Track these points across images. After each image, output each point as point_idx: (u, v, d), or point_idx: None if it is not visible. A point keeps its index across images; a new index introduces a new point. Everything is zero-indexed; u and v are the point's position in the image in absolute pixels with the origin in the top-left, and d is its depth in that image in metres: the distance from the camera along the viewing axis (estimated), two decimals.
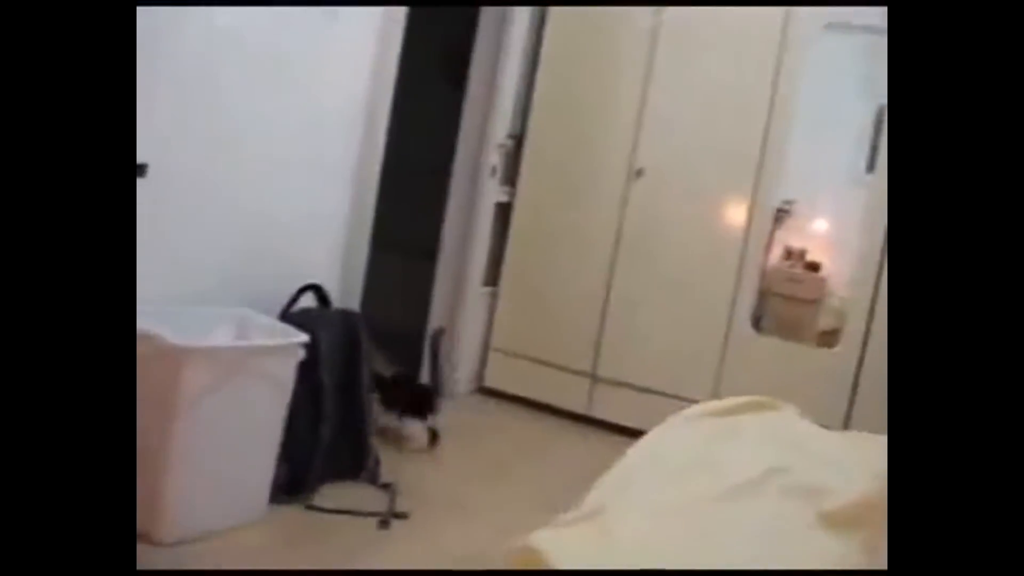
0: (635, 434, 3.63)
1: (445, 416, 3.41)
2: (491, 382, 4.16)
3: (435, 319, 4.05)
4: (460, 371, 4.04)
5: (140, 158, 1.68)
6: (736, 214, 3.74)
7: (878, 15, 3.16)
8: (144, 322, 2.20)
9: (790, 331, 3.95)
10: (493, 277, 4.14)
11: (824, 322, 4.07)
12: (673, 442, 1.28)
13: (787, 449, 1.16)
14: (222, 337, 2.47)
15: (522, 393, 4.08)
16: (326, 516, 2.56)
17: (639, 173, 3.86)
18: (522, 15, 3.95)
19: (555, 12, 4.04)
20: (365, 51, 3.13)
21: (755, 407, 1.40)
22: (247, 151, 2.70)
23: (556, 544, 0.90)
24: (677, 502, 1.01)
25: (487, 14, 3.94)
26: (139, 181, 2.20)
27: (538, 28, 4.07)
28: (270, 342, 2.44)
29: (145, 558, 2.14)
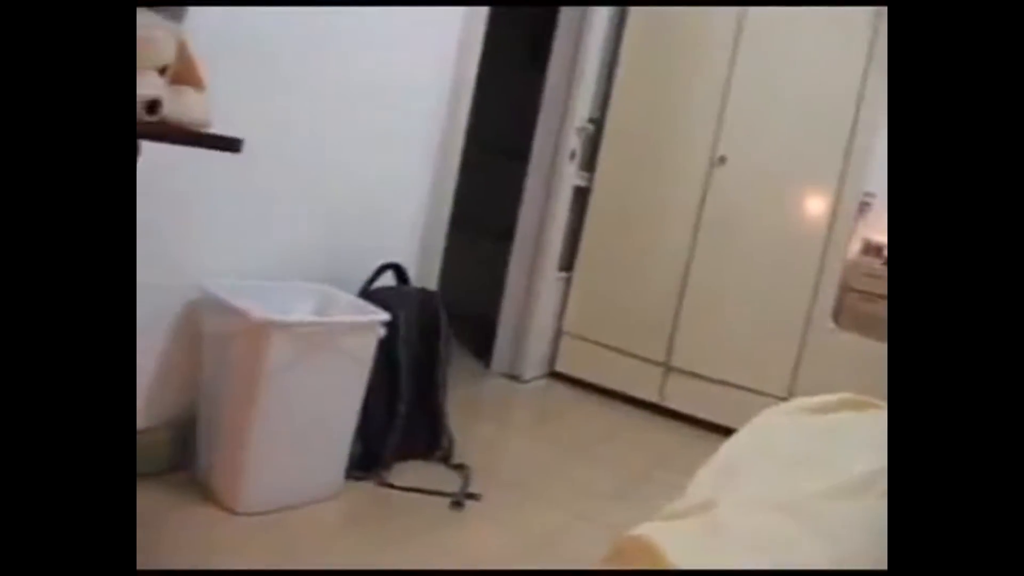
0: (707, 426, 3.66)
1: (517, 399, 3.41)
2: (562, 367, 4.15)
3: (509, 302, 4.05)
4: (531, 355, 4.03)
5: (230, 133, 1.68)
6: (819, 205, 3.66)
7: None
8: (229, 296, 2.24)
9: (868, 328, 3.85)
10: (568, 262, 4.12)
11: None
12: (777, 436, 1.25)
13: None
14: (304, 313, 2.49)
15: (593, 379, 4.06)
16: (400, 494, 2.57)
17: (721, 160, 3.79)
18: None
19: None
20: (451, 31, 3.12)
21: (854, 405, 1.36)
22: (330, 128, 2.71)
23: (670, 537, 0.88)
24: (788, 498, 0.99)
25: None
26: (226, 158, 2.22)
27: (621, 12, 4.02)
28: (352, 319, 2.45)
29: (224, 527, 2.18)
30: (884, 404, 1.51)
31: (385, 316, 2.43)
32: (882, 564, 0.87)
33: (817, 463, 1.07)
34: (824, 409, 1.35)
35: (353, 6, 2.64)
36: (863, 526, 0.89)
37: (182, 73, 1.61)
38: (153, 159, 1.78)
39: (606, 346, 4.04)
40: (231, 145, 1.65)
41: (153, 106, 1.48)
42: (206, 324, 2.33)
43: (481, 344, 4.18)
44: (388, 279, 2.90)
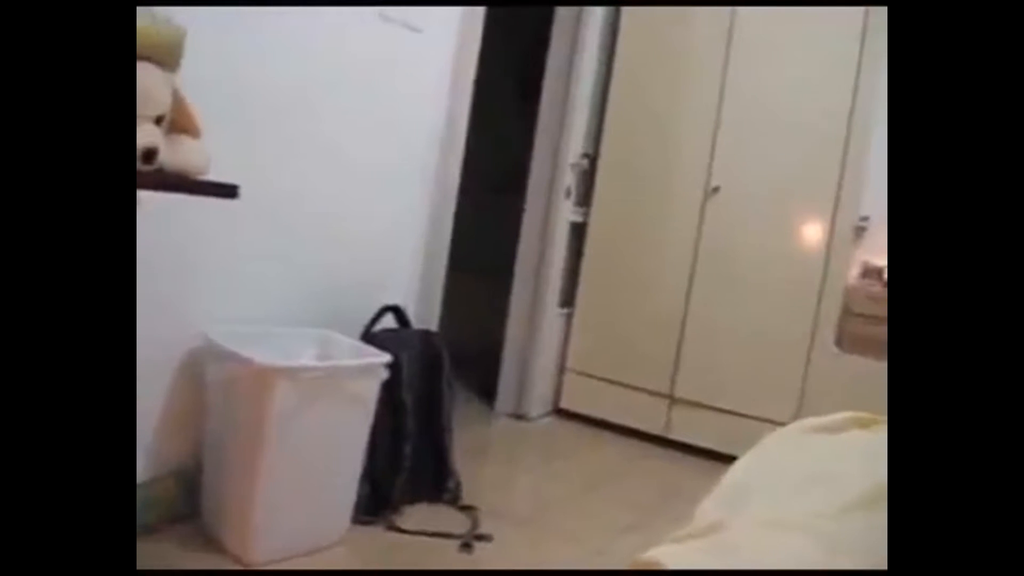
0: (715, 456, 3.64)
1: (523, 438, 3.39)
2: (567, 404, 4.13)
3: (511, 340, 4.05)
4: (536, 393, 4.02)
5: (227, 180, 1.70)
6: (815, 230, 3.67)
7: None
8: (231, 343, 2.23)
9: (872, 351, 3.84)
10: (568, 298, 4.12)
11: None
12: (783, 457, 1.25)
13: None
14: (307, 358, 2.49)
15: (598, 415, 4.04)
16: (408, 538, 2.54)
17: (715, 190, 3.81)
18: (593, 33, 3.94)
19: (626, 29, 4.03)
20: (443, 69, 3.15)
21: (860, 423, 1.36)
22: (325, 173, 2.72)
23: (678, 558, 0.88)
24: (798, 518, 0.98)
25: (559, 31, 3.94)
26: (223, 205, 2.23)
27: (610, 46, 4.06)
28: (355, 362, 2.45)
29: None
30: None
31: (387, 358, 2.43)
32: None
33: (826, 481, 1.06)
34: (830, 429, 1.34)
35: (357, 6, 2.66)
36: (876, 540, 0.88)
37: (178, 121, 1.63)
38: (152, 209, 1.80)
39: (610, 381, 4.02)
40: (228, 191, 1.66)
41: (150, 155, 1.49)
42: (209, 372, 2.32)
43: (484, 384, 4.16)
44: (389, 321, 2.90)
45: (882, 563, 0.87)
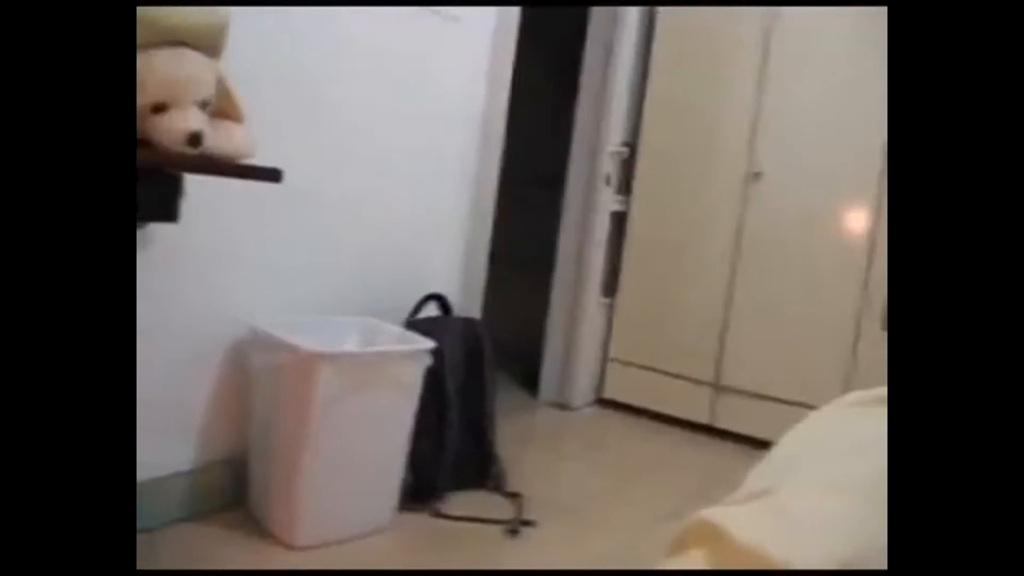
0: (760, 444, 3.59)
1: (567, 427, 3.39)
2: (611, 393, 4.11)
3: (554, 330, 4.04)
4: (579, 382, 4.01)
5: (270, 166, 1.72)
6: (860, 216, 3.62)
7: None
8: (277, 331, 2.26)
9: None
10: (611, 287, 4.11)
11: None
12: (832, 429, 1.22)
13: None
14: (351, 345, 2.50)
15: (642, 404, 4.02)
16: (454, 524, 2.55)
17: (756, 176, 3.78)
18: (631, 22, 3.92)
19: (664, 15, 4.00)
20: (481, 60, 3.15)
21: None
22: (367, 163, 2.74)
23: (733, 518, 0.86)
24: (850, 480, 0.96)
25: (596, 20, 3.93)
26: (266, 197, 2.26)
27: (648, 33, 4.04)
28: (399, 348, 2.46)
29: (280, 561, 2.19)
30: None
31: (431, 344, 2.44)
32: None
33: (875, 449, 1.04)
34: (879, 402, 1.32)
35: (389, 6, 2.68)
36: None
37: (222, 107, 1.65)
38: (198, 200, 1.82)
39: (653, 370, 4.00)
40: (272, 175, 1.67)
41: (195, 139, 1.51)
42: (254, 360, 2.35)
43: (528, 375, 4.16)
44: (431, 310, 2.92)
45: None
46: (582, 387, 4.04)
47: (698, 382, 3.90)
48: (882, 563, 0.83)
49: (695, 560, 0.87)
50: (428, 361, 2.44)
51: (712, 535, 0.87)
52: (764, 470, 1.19)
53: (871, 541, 0.87)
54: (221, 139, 1.62)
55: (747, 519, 0.89)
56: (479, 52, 3.14)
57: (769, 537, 0.83)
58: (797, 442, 1.26)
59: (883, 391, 1.40)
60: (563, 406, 3.99)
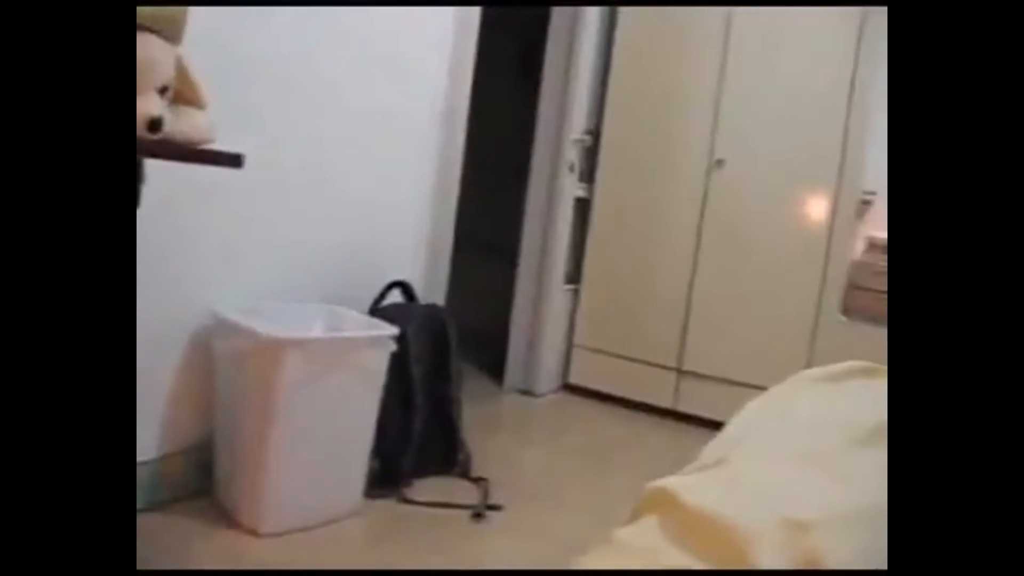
0: (723, 427, 3.64)
1: (532, 413, 3.41)
2: (575, 379, 4.15)
3: (518, 317, 4.06)
4: (544, 369, 4.04)
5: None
6: (820, 203, 3.67)
7: None
8: (239, 317, 2.25)
9: (878, 322, 3.85)
10: (575, 274, 4.13)
11: None
12: (789, 400, 1.26)
13: None
14: (315, 331, 2.50)
15: (607, 389, 4.06)
16: (420, 509, 2.56)
17: (719, 163, 3.82)
18: (593, 11, 3.94)
19: (627, 8, 4.03)
20: (444, 47, 3.15)
21: (865, 372, 1.37)
22: (329, 150, 2.74)
23: (684, 485, 0.89)
24: (804, 450, 0.99)
25: (560, 8, 3.94)
26: (228, 184, 2.25)
27: (610, 22, 4.06)
28: (364, 333, 2.46)
29: (246, 549, 2.18)
30: None
31: (395, 330, 2.44)
32: None
33: (830, 421, 1.07)
34: (834, 378, 1.35)
35: (351, 6, 2.68)
36: (880, 471, 0.89)
37: (182, 92, 1.64)
38: (159, 188, 1.81)
39: (617, 355, 4.04)
40: (233, 161, 1.67)
41: (155, 125, 1.50)
42: (218, 347, 2.34)
43: (493, 362, 4.18)
44: (396, 297, 2.92)
45: (884, 494, 0.88)
46: (547, 373, 4.07)
47: (662, 367, 3.95)
48: (848, 530, 0.85)
49: (649, 525, 0.89)
50: (393, 347, 2.45)
51: (666, 502, 0.90)
52: (719, 442, 1.22)
53: (831, 508, 0.89)
54: (182, 124, 1.61)
55: (699, 486, 0.91)
56: (442, 38, 3.14)
57: (719, 502, 0.85)
58: (751, 416, 1.29)
59: (836, 368, 1.43)
60: (528, 392, 4.02)
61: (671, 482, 0.89)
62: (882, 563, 0.75)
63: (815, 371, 1.36)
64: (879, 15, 3.51)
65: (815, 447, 0.99)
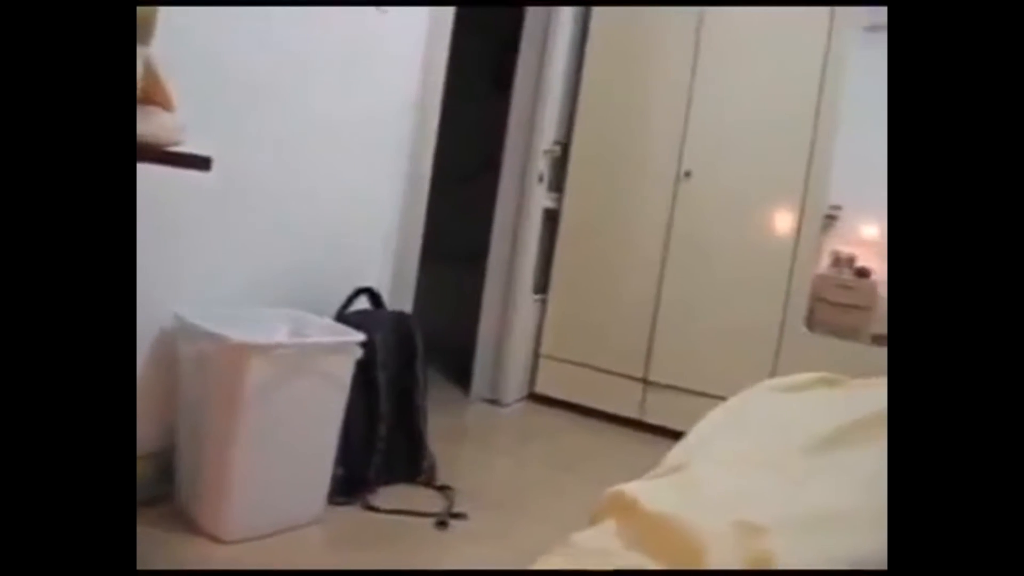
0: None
1: (498, 422, 3.41)
2: (542, 389, 4.16)
3: (486, 327, 4.07)
4: (510, 378, 4.04)
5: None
6: (785, 217, 3.72)
7: None
8: (204, 322, 2.24)
9: (841, 335, 3.91)
10: (542, 284, 4.15)
11: (878, 326, 4.01)
12: (749, 408, 1.27)
13: (871, 408, 1.14)
14: (280, 336, 2.49)
15: (573, 399, 4.07)
16: (384, 517, 2.55)
17: (687, 175, 3.85)
18: (565, 21, 3.97)
19: (598, 17, 4.06)
20: (415, 54, 3.16)
21: (826, 382, 1.39)
22: (301, 156, 2.73)
23: (643, 489, 0.90)
24: (762, 456, 1.00)
25: (532, 20, 3.96)
26: (195, 187, 2.24)
27: (582, 34, 4.09)
28: (328, 339, 2.45)
29: (210, 556, 2.16)
30: (856, 381, 1.54)
31: (361, 337, 2.44)
32: (854, 517, 0.88)
33: (787, 429, 1.09)
34: (796, 387, 1.37)
35: (321, 5, 2.67)
36: (834, 476, 0.90)
37: (150, 93, 1.63)
38: None
39: (584, 365, 4.06)
40: (200, 163, 1.66)
41: None
42: (182, 352, 2.32)
43: (459, 370, 4.18)
44: (362, 304, 2.91)
45: (846, 497, 0.89)
46: (514, 383, 4.07)
47: (628, 377, 3.97)
48: (801, 533, 0.86)
49: (608, 529, 0.90)
50: (359, 354, 2.44)
51: (623, 506, 0.90)
52: (680, 449, 1.24)
53: (784, 512, 0.91)
54: (150, 125, 1.61)
55: (656, 491, 0.92)
56: (413, 45, 3.15)
57: (675, 505, 0.86)
58: (713, 423, 1.31)
59: (798, 378, 1.45)
60: (495, 401, 4.02)
61: (629, 487, 0.90)
62: (833, 565, 0.76)
63: (776, 381, 1.38)
64: (847, 31, 3.56)
65: (772, 454, 1.00)
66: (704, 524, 0.80)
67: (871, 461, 1.02)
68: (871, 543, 0.79)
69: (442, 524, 2.56)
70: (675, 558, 0.77)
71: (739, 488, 0.92)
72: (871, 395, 1.27)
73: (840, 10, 3.58)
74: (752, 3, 3.74)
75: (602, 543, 0.85)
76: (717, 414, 1.25)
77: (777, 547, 0.77)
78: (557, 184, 4.11)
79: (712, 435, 1.13)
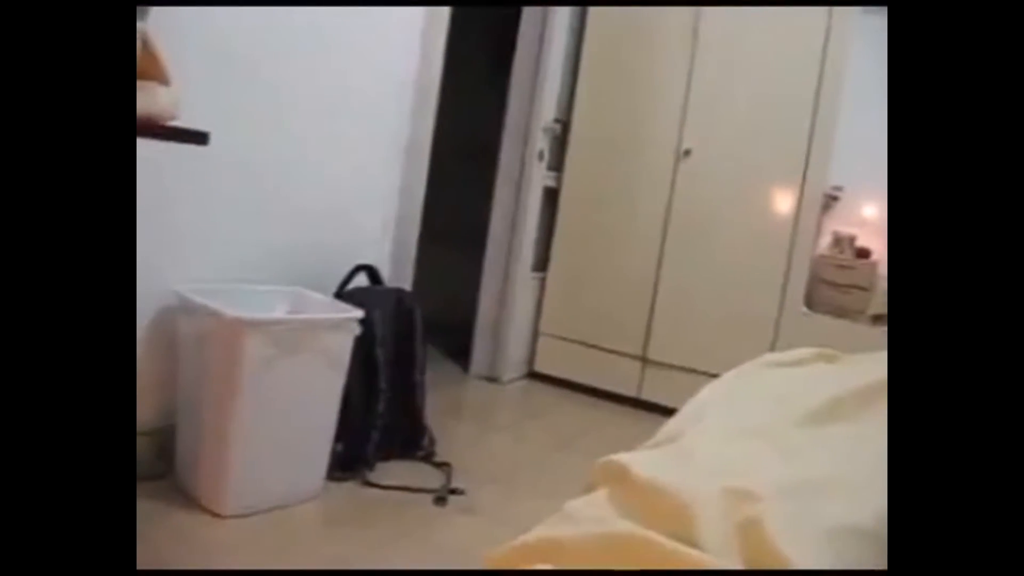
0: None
1: (497, 399, 3.42)
2: (541, 367, 4.17)
3: (485, 305, 4.07)
4: (510, 356, 4.05)
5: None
6: (785, 197, 3.71)
7: None
8: (204, 298, 2.24)
9: (841, 314, 3.91)
10: (542, 262, 4.15)
11: (877, 306, 4.01)
12: (745, 383, 1.28)
13: (866, 380, 1.15)
14: (279, 312, 2.50)
15: (572, 377, 4.08)
16: (383, 493, 2.57)
17: (687, 153, 3.84)
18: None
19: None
20: (415, 31, 3.15)
21: (824, 357, 1.39)
22: (298, 133, 2.73)
23: (636, 459, 0.91)
24: (756, 427, 1.01)
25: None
26: (194, 163, 2.24)
27: (582, 11, 4.07)
28: (327, 316, 2.46)
29: (211, 531, 2.18)
30: (853, 356, 1.54)
31: (360, 313, 2.44)
32: (846, 485, 0.89)
33: (784, 400, 1.09)
34: (794, 362, 1.38)
35: (319, 6, 2.67)
36: (824, 446, 0.90)
37: (147, 68, 1.63)
38: None
39: (583, 343, 4.07)
40: (198, 138, 1.66)
41: None
42: (181, 328, 2.33)
43: (459, 348, 4.19)
44: (362, 281, 2.92)
45: (838, 466, 0.90)
46: (513, 360, 4.08)
47: (627, 355, 3.98)
48: (787, 499, 0.87)
49: (599, 498, 0.91)
50: (357, 331, 2.45)
51: (616, 474, 0.91)
52: (677, 419, 1.24)
53: (772, 479, 0.91)
54: (145, 100, 1.61)
55: (649, 460, 0.93)
56: (413, 23, 3.14)
57: (668, 473, 0.87)
58: (709, 395, 1.31)
59: (796, 353, 1.46)
60: (494, 379, 4.03)
61: (622, 457, 0.91)
62: (817, 530, 0.77)
63: (774, 355, 1.39)
64: (847, 10, 3.55)
65: (766, 425, 1.01)
66: (694, 491, 0.81)
67: (865, 431, 1.03)
68: (861, 510, 0.79)
69: (440, 500, 2.57)
70: (665, 524, 0.78)
71: (731, 457, 0.93)
72: (867, 368, 1.28)
73: None
74: (751, 3, 3.71)
75: (595, 511, 0.86)
76: (713, 387, 1.26)
77: (766, 512, 0.78)
78: (557, 162, 4.11)
79: (707, 407, 1.14)
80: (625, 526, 0.78)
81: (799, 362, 1.37)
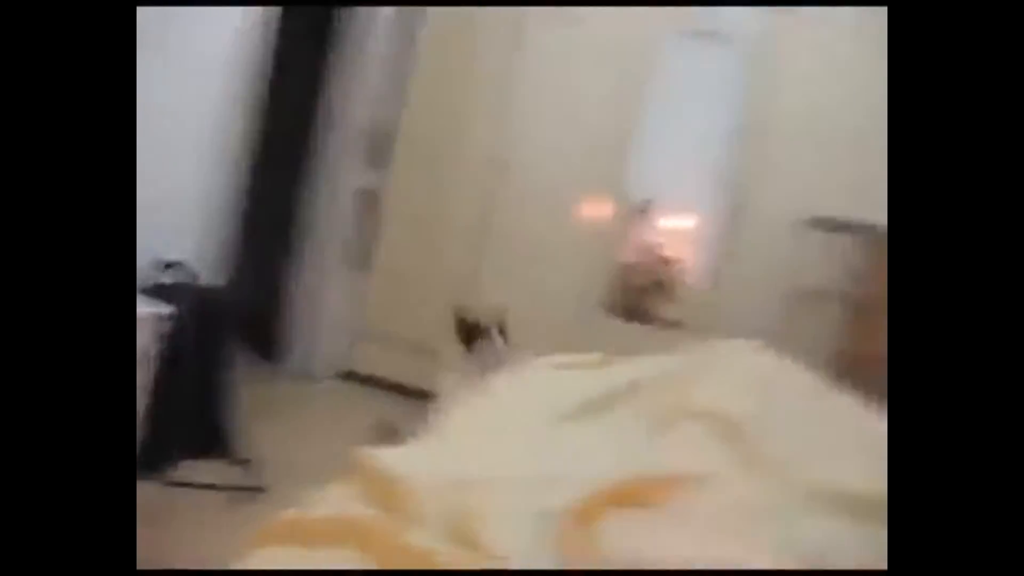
0: None
1: (308, 397, 3.42)
2: (356, 366, 4.22)
3: (299, 303, 4.08)
4: (322, 354, 4.08)
5: None
6: (596, 207, 3.91)
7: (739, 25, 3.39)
8: None
9: (638, 318, 4.14)
10: (362, 262, 4.19)
11: (674, 312, 4.26)
12: (522, 381, 1.39)
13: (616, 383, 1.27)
14: None
15: (387, 376, 4.15)
16: (183, 490, 2.57)
17: (505, 163, 3.99)
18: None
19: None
20: (234, 30, 3.15)
21: (603, 363, 1.52)
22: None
23: (381, 452, 1.00)
24: (511, 425, 1.12)
25: None
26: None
27: (417, 11, 4.14)
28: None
29: None
30: (625, 360, 1.67)
31: (166, 310, 2.44)
32: (567, 478, 0.99)
33: (547, 401, 1.21)
34: (572, 366, 1.50)
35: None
36: (569, 444, 1.02)
37: None
38: None
39: (399, 342, 4.14)
40: None
41: None
42: None
43: (270, 346, 4.18)
44: (173, 277, 2.89)
45: (588, 465, 1.01)
46: (326, 360, 4.12)
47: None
48: (506, 490, 0.96)
49: (344, 485, 1.00)
50: (164, 327, 2.44)
51: (364, 464, 1.01)
52: (437, 417, 1.35)
53: (507, 472, 1.03)
54: None
55: (394, 453, 1.03)
56: (233, 20, 3.14)
57: (406, 465, 0.97)
58: (477, 395, 1.43)
59: (576, 357, 1.58)
60: (306, 378, 4.06)
61: (370, 449, 1.00)
62: (524, 518, 0.89)
63: (557, 358, 1.51)
64: (669, 34, 3.78)
65: (521, 423, 1.12)
66: (425, 480, 0.92)
67: (606, 429, 1.16)
68: (562, 502, 0.91)
69: (239, 497, 2.59)
70: (393, 508, 0.88)
71: (485, 452, 1.04)
72: (624, 371, 1.42)
73: (667, 12, 3.77)
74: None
75: (341, 497, 0.95)
76: (492, 385, 1.37)
77: (479, 501, 0.89)
78: (378, 163, 4.16)
79: (477, 403, 1.25)
80: (358, 509, 0.88)
81: (577, 366, 1.50)
